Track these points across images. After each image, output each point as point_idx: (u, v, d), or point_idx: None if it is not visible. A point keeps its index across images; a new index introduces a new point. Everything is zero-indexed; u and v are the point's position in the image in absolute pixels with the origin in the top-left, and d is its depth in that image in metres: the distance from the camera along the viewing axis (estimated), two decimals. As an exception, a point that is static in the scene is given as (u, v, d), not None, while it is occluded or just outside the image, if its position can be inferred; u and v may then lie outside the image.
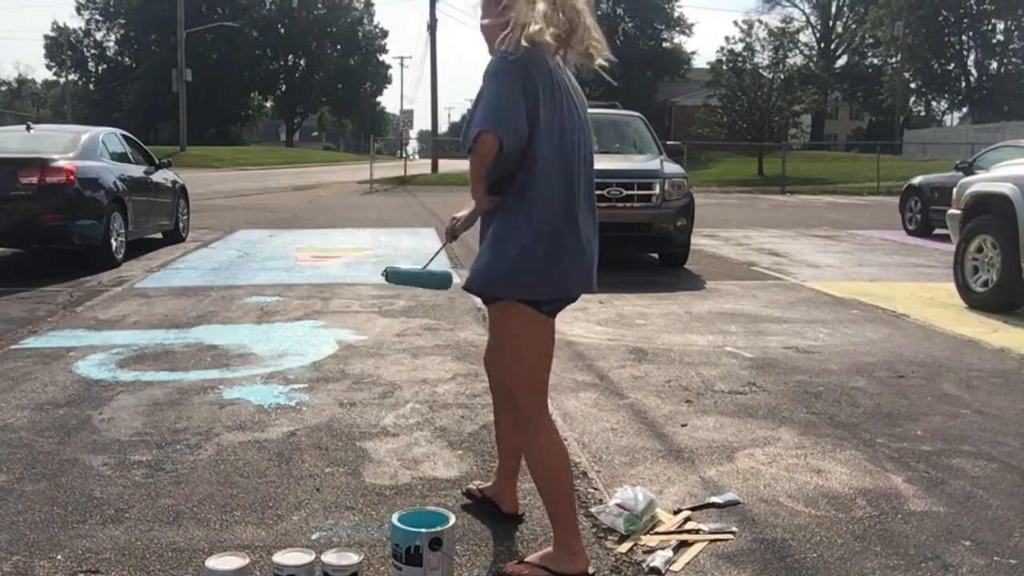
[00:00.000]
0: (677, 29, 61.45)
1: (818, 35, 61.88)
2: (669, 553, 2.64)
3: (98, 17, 68.39)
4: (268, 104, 79.69)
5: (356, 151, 78.32)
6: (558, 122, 2.36)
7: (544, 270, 2.37)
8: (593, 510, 2.93)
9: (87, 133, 9.34)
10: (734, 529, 2.83)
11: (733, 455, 3.52)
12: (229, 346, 5.36)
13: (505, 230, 2.38)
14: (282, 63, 73.18)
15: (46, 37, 68.55)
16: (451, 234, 2.79)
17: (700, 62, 58.34)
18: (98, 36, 69.30)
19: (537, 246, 2.34)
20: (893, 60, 53.53)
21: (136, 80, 63.21)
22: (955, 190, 7.68)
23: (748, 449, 3.59)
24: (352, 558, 2.30)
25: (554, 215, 2.36)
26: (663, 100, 55.43)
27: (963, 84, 55.07)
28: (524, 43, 2.29)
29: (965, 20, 52.43)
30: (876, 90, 56.66)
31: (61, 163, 8.17)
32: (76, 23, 75.70)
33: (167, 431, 3.74)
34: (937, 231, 12.96)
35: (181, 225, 11.33)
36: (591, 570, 2.52)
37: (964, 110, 58.04)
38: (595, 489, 3.14)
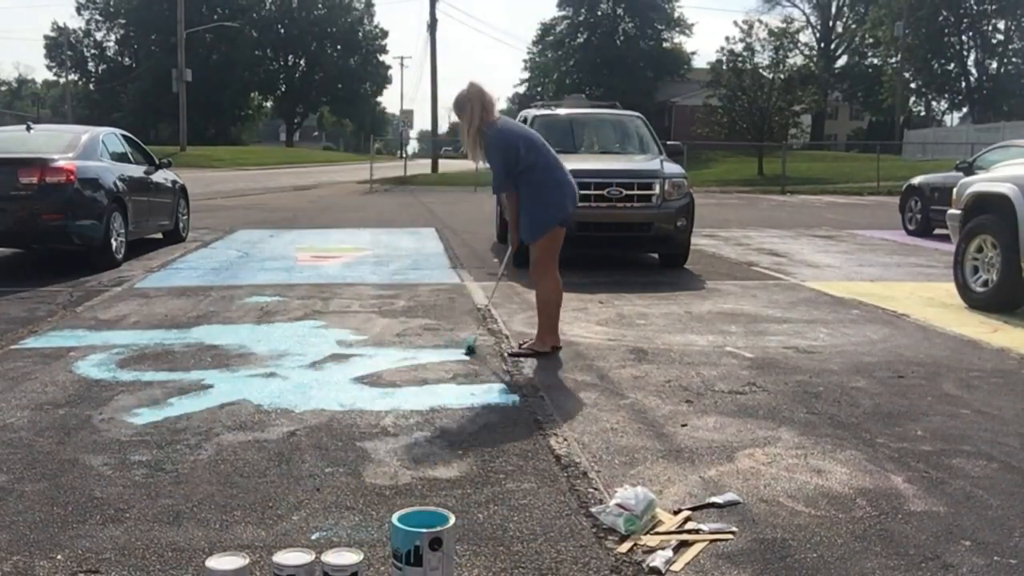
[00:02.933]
0: (677, 29, 61.35)
1: (818, 35, 61.84)
2: (669, 553, 2.64)
3: (98, 17, 68.36)
4: (268, 104, 79.68)
5: (356, 151, 78.26)
6: None
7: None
8: (593, 510, 2.93)
9: (87, 133, 9.34)
10: (734, 529, 2.83)
11: (733, 455, 3.52)
12: (229, 346, 5.36)
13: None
14: (282, 63, 73.15)
15: (46, 37, 68.70)
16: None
17: (700, 62, 58.29)
18: (98, 36, 69.34)
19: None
20: (893, 60, 53.53)
21: (136, 80, 63.18)
22: (955, 190, 7.67)
23: (748, 449, 3.60)
24: (352, 558, 2.29)
25: None
26: (663, 100, 55.39)
27: (963, 84, 55.07)
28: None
29: (965, 20, 52.44)
30: (876, 90, 56.67)
31: (61, 163, 8.17)
32: (76, 23, 75.54)
33: (167, 431, 3.74)
34: (937, 231, 12.95)
35: (181, 225, 11.33)
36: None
37: (964, 110, 58.07)
38: (595, 489, 3.14)
